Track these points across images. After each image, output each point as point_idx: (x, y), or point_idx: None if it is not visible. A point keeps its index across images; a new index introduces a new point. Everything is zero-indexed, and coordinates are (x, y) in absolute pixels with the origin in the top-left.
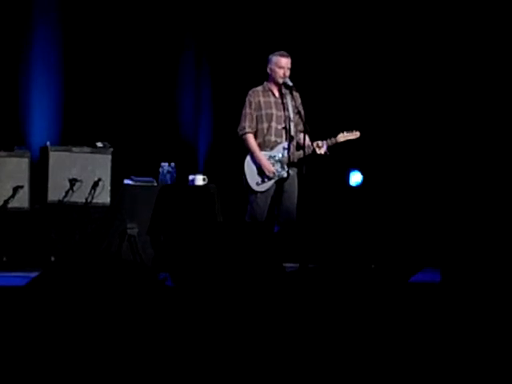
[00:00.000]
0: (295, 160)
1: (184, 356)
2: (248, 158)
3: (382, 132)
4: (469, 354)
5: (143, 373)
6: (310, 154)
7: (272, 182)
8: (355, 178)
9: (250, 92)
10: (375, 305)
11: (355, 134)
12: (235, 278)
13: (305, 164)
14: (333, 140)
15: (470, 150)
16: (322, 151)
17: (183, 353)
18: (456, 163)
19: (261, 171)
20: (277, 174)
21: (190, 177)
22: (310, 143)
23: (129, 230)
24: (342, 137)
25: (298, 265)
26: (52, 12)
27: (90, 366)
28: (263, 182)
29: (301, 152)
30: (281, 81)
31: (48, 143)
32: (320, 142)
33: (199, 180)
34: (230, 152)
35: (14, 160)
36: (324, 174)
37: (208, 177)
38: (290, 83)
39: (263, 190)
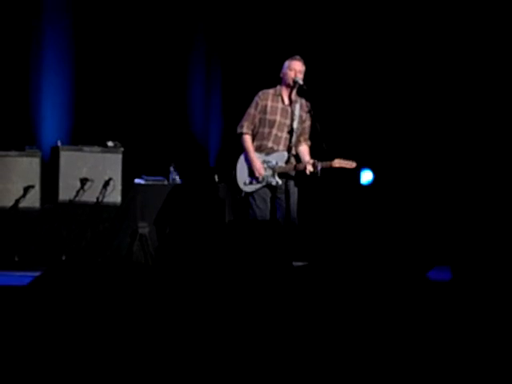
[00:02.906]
0: (289, 172)
1: (189, 355)
2: (242, 157)
3: (392, 130)
4: (480, 352)
5: (146, 372)
6: (302, 171)
7: (260, 185)
8: (366, 177)
9: (260, 93)
10: (385, 303)
11: (351, 164)
12: (244, 276)
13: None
14: (328, 163)
15: (480, 149)
16: (314, 170)
17: (189, 352)
18: (467, 161)
19: (251, 172)
20: (266, 179)
21: None
22: (308, 158)
23: (140, 229)
24: (338, 163)
25: (306, 263)
26: (63, 11)
27: (92, 366)
28: (251, 183)
29: (292, 166)
30: (291, 82)
31: (59, 143)
32: (315, 162)
33: None
34: (241, 151)
35: (25, 160)
36: (335, 173)
37: (218, 176)
38: (301, 82)
39: (249, 190)
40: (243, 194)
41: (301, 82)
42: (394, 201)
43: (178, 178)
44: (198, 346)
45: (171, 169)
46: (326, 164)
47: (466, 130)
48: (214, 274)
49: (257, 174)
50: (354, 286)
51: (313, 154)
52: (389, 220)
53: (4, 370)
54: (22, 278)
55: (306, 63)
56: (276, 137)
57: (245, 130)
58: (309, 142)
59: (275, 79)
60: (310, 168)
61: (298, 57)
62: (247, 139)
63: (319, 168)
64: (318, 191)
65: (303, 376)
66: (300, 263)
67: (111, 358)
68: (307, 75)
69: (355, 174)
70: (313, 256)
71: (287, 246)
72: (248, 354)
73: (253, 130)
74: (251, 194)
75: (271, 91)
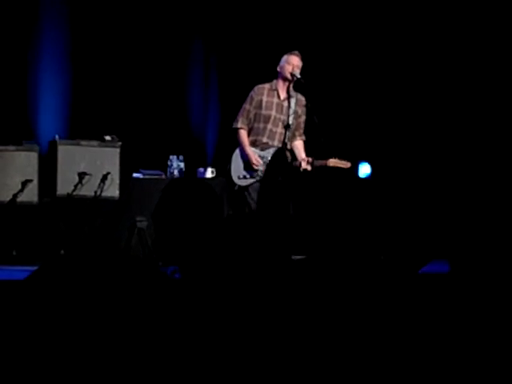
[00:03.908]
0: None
1: (190, 351)
2: (237, 151)
3: (390, 123)
4: (478, 345)
5: (146, 369)
6: (297, 167)
7: (253, 180)
8: (364, 170)
9: (256, 88)
10: (384, 296)
11: (345, 164)
12: (243, 270)
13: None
14: (323, 162)
15: (477, 143)
16: (309, 168)
17: (189, 347)
18: (465, 156)
19: (247, 166)
20: (260, 174)
21: (199, 169)
22: (303, 155)
23: (138, 224)
24: (333, 162)
25: (304, 257)
26: (60, 7)
27: (90, 362)
28: (245, 177)
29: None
30: (289, 75)
31: (56, 137)
32: (310, 159)
33: (208, 173)
34: (237, 145)
35: (23, 154)
36: (333, 166)
37: (216, 169)
38: (299, 75)
39: (244, 185)
40: (236, 188)
41: (298, 76)
42: (392, 194)
43: (182, 167)
44: (198, 340)
45: (169, 163)
46: (320, 163)
47: (463, 123)
48: (213, 268)
49: (254, 167)
50: (351, 279)
51: (310, 148)
52: (387, 213)
53: (3, 365)
54: (20, 272)
55: (303, 58)
56: (271, 132)
57: (240, 124)
58: (303, 137)
59: (272, 73)
60: (305, 165)
61: (296, 52)
62: (242, 134)
63: (314, 166)
64: (315, 185)
65: (302, 367)
66: (298, 257)
67: (108, 353)
68: (305, 69)
69: (353, 167)
70: (311, 249)
71: (285, 239)
72: (247, 346)
73: (248, 125)
74: (246, 188)
75: (267, 86)
